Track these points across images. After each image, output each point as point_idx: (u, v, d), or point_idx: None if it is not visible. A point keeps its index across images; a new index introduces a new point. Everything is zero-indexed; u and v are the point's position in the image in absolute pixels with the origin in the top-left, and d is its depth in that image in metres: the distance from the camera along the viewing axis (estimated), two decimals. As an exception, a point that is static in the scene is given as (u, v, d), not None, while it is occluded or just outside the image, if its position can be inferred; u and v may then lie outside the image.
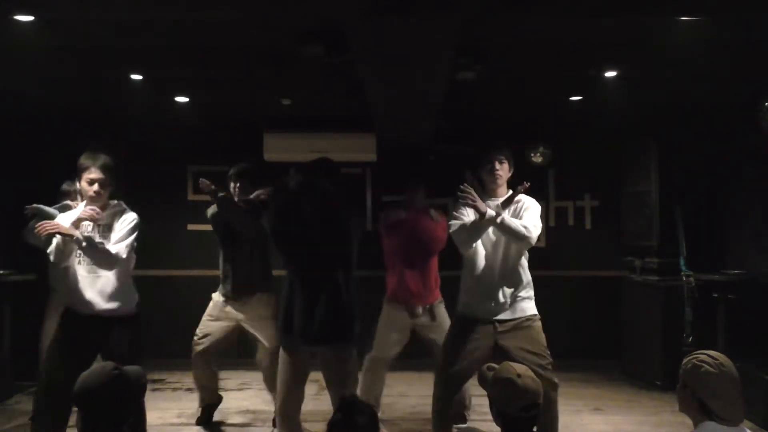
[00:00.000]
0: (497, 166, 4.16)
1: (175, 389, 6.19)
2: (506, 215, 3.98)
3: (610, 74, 5.20)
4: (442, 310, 5.09)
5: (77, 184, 4.95)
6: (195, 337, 5.04)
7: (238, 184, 5.13)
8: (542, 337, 4.12)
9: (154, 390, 6.06)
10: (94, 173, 3.98)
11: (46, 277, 6.03)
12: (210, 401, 5.24)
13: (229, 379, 6.47)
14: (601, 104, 6.18)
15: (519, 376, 2.46)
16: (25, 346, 6.14)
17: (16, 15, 3.82)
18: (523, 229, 3.95)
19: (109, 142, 6.33)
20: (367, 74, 4.30)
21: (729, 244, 6.36)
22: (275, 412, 4.03)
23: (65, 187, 5.35)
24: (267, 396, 5.51)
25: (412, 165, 6.91)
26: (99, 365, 2.51)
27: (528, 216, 4.05)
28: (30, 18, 3.87)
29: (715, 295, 5.93)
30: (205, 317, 5.10)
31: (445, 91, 4.76)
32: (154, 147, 7.02)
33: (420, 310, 5.03)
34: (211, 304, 5.14)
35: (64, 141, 6.38)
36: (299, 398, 3.91)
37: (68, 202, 5.13)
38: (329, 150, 6.68)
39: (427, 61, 3.94)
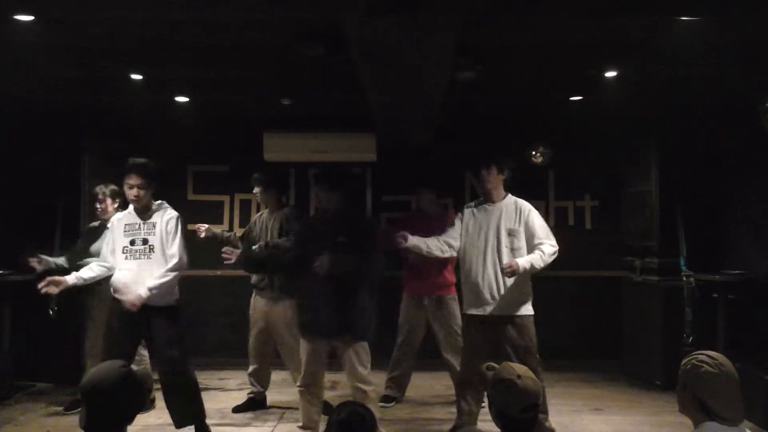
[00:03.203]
0: (483, 172, 4.54)
1: (175, 389, 6.17)
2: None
3: (610, 74, 5.20)
4: (450, 306, 5.46)
5: (106, 189, 5.32)
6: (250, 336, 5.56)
7: (260, 189, 5.46)
8: (532, 332, 4.47)
9: (154, 389, 6.04)
10: (133, 179, 4.44)
11: (45, 277, 6.03)
12: (257, 396, 5.58)
13: (229, 379, 6.48)
14: (601, 104, 6.18)
15: (519, 377, 2.44)
16: (25, 346, 6.15)
17: (16, 15, 3.82)
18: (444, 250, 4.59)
19: (111, 142, 6.40)
20: (367, 74, 4.30)
21: (729, 244, 6.35)
22: (300, 380, 4.61)
23: (97, 191, 5.41)
24: (266, 396, 5.64)
25: (412, 165, 6.91)
26: (108, 362, 2.52)
27: (539, 228, 4.51)
28: (30, 18, 3.87)
29: (715, 295, 5.93)
30: (251, 319, 5.54)
31: (445, 91, 4.76)
32: (154, 147, 7.02)
33: (426, 301, 5.51)
34: (253, 309, 5.53)
35: (64, 141, 6.39)
36: (319, 373, 4.57)
37: (92, 225, 5.55)
38: (329, 150, 6.71)
39: (426, 61, 3.94)
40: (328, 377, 5.38)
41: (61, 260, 5.33)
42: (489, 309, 4.46)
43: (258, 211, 6.99)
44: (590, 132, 6.91)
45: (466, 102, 6.03)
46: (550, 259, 4.43)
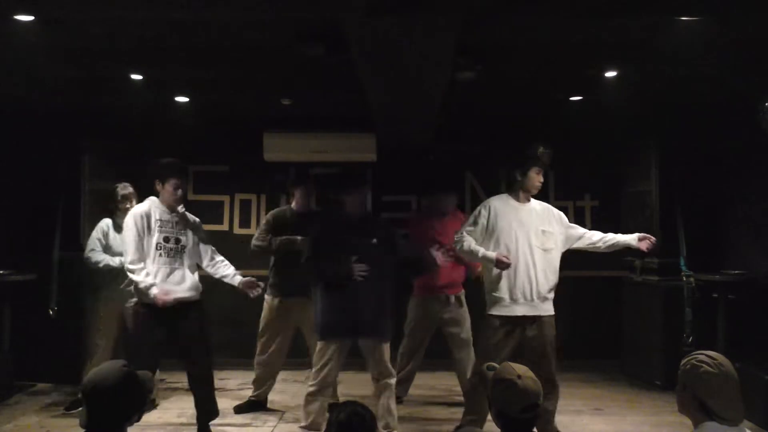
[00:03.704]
0: (542, 179, 4.55)
1: (175, 389, 6.18)
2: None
3: (610, 74, 5.20)
4: (464, 302, 5.55)
5: (131, 188, 5.38)
6: (259, 337, 5.47)
7: (298, 191, 5.41)
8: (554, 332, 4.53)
9: (156, 390, 6.04)
10: (179, 180, 4.57)
11: (45, 277, 6.03)
12: (258, 397, 5.53)
13: (229, 379, 6.48)
14: (601, 104, 6.18)
15: (519, 377, 2.44)
16: (25, 346, 6.15)
17: (16, 15, 3.82)
18: None
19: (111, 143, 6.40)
20: (367, 74, 4.30)
21: (729, 244, 6.36)
22: (312, 380, 4.56)
23: (121, 191, 5.38)
24: (267, 396, 5.62)
25: (412, 165, 6.91)
26: (110, 362, 2.54)
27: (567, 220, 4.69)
28: (30, 18, 3.87)
29: (715, 295, 5.93)
30: (263, 319, 5.44)
31: (445, 91, 4.76)
32: (154, 147, 7.03)
33: (452, 299, 5.51)
34: (266, 307, 5.44)
35: (64, 141, 6.39)
36: (336, 375, 4.64)
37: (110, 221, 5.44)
38: (329, 150, 6.71)
39: (426, 61, 3.94)
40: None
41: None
42: (521, 310, 4.40)
43: (258, 211, 7.01)
44: (590, 132, 6.90)
45: (466, 102, 6.03)
46: None
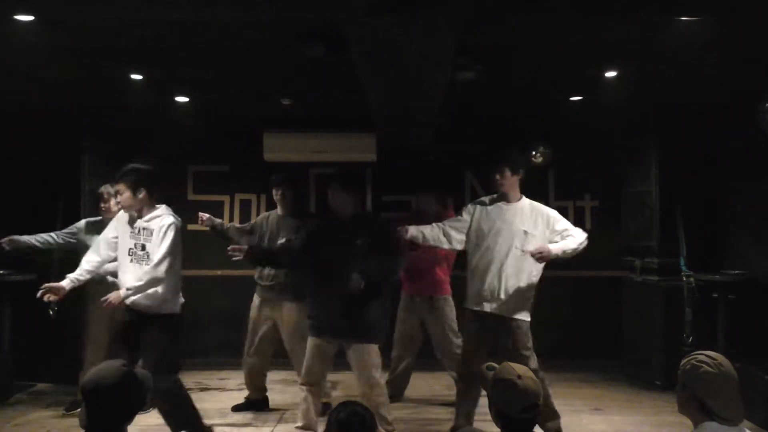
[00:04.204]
0: (497, 177, 4.55)
1: (175, 389, 6.18)
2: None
3: (610, 74, 5.20)
4: (443, 306, 5.55)
5: (111, 188, 5.21)
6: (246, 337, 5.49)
7: (280, 191, 5.39)
8: (528, 339, 4.52)
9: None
10: (117, 186, 4.46)
11: (45, 277, 6.02)
12: (253, 396, 5.58)
13: (229, 379, 6.48)
14: (601, 104, 6.17)
15: (519, 377, 2.45)
16: (25, 346, 6.15)
17: (16, 15, 3.82)
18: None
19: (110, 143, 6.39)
20: (367, 74, 4.30)
21: (729, 244, 6.36)
22: (301, 378, 4.60)
23: (102, 189, 5.40)
24: (267, 396, 5.62)
25: (412, 165, 6.91)
26: (109, 361, 2.55)
27: (563, 221, 4.58)
28: (30, 18, 3.87)
29: (715, 295, 5.93)
30: (249, 319, 5.49)
31: (445, 91, 4.76)
32: (154, 147, 7.02)
33: (418, 300, 5.61)
34: (251, 307, 5.49)
35: (64, 141, 6.40)
36: (322, 373, 4.60)
37: (94, 219, 5.47)
38: (329, 150, 6.71)
39: (426, 61, 3.94)
40: (329, 377, 5.39)
41: (35, 241, 5.27)
42: (488, 307, 4.51)
43: (258, 211, 7.01)
44: (590, 132, 6.90)
45: (466, 102, 6.03)
46: (581, 244, 4.45)
